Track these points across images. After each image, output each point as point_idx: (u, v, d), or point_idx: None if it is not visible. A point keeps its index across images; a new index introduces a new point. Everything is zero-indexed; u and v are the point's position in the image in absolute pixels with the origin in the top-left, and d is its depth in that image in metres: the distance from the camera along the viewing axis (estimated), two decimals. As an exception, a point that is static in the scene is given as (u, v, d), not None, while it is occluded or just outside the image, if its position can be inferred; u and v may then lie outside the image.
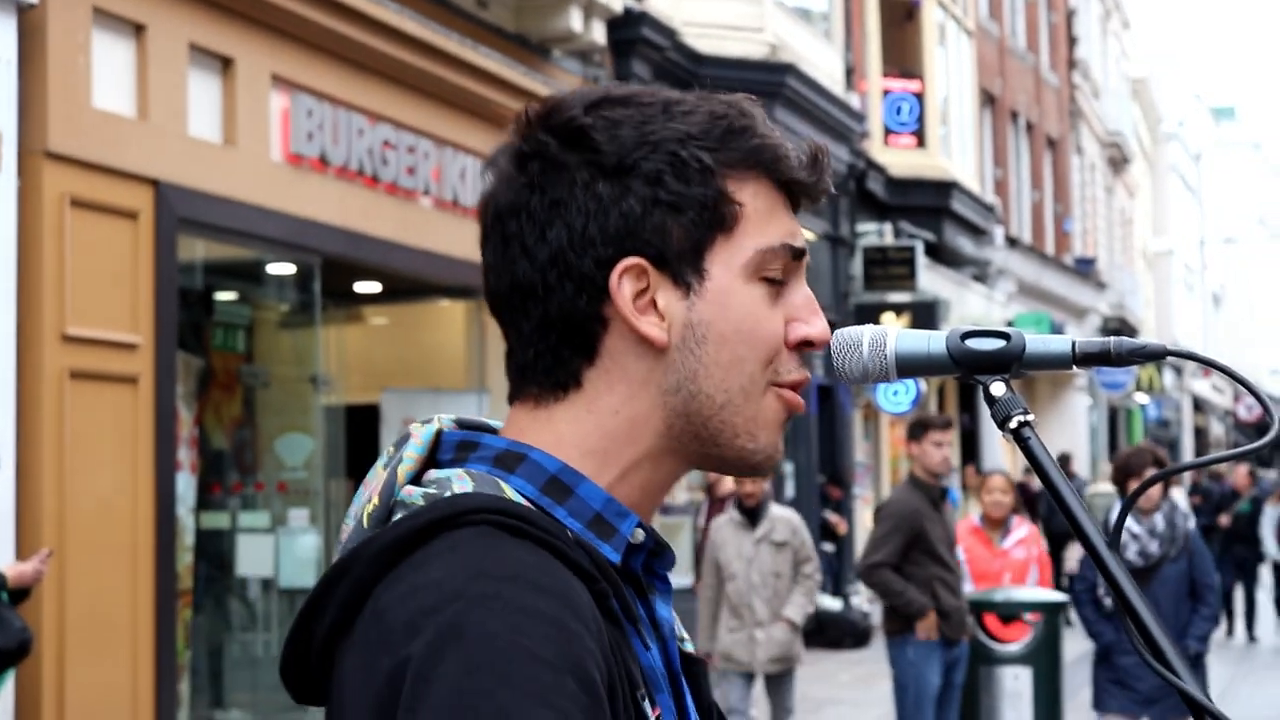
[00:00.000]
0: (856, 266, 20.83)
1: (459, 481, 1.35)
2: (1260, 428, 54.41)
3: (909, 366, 1.49)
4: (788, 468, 18.59)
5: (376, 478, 1.40)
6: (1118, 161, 42.25)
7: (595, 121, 1.42)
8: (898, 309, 20.62)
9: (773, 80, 16.81)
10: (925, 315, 20.52)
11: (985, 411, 1.51)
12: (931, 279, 22.27)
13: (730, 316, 1.41)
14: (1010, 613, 9.17)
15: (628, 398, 1.42)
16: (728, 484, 12.30)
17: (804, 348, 1.45)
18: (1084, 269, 35.21)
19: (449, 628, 1.20)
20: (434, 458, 1.42)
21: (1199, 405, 57.71)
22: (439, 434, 1.43)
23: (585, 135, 1.42)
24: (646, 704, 1.32)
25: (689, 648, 1.51)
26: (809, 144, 1.49)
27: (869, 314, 20.14)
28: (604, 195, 1.40)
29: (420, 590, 1.24)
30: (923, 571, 8.59)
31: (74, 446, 8.24)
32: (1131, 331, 38.15)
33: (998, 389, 1.46)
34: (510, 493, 1.36)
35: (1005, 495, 9.43)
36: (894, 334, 1.49)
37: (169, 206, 9.01)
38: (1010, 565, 9.42)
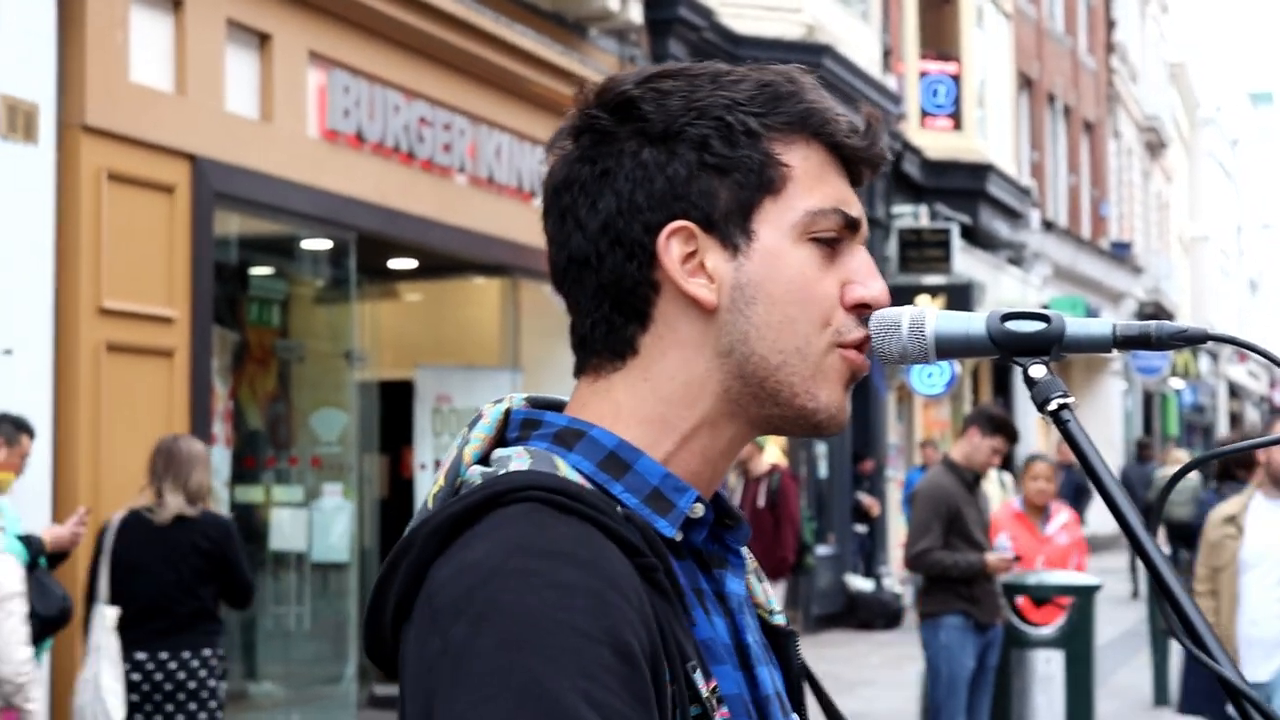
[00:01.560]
0: (892, 248, 20.77)
1: (517, 459, 1.36)
2: (1296, 414, 54.07)
3: (948, 348, 1.47)
4: (820, 448, 18.57)
5: (448, 458, 1.41)
6: (1155, 146, 42.01)
7: (645, 93, 1.43)
8: (932, 291, 20.56)
9: (809, 61, 16.64)
10: (960, 298, 20.46)
11: (1021, 397, 1.49)
12: (966, 262, 22.19)
13: (779, 277, 1.41)
14: (1043, 595, 9.15)
15: (683, 362, 1.42)
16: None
17: (861, 310, 1.44)
18: (1120, 253, 35.05)
19: (486, 605, 1.22)
20: (504, 436, 1.43)
21: (1234, 391, 57.40)
22: (508, 413, 1.44)
23: (634, 105, 1.43)
24: (698, 675, 1.31)
25: (778, 620, 1.52)
26: (864, 111, 1.50)
27: (903, 296, 20.04)
28: (650, 162, 1.41)
29: (465, 570, 1.25)
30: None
31: (110, 419, 8.28)
32: (1167, 317, 37.94)
33: (1037, 371, 1.45)
34: (565, 469, 1.36)
35: (1049, 483, 9.45)
36: (933, 315, 1.47)
37: (206, 181, 9.04)
38: (1054, 550, 9.42)
